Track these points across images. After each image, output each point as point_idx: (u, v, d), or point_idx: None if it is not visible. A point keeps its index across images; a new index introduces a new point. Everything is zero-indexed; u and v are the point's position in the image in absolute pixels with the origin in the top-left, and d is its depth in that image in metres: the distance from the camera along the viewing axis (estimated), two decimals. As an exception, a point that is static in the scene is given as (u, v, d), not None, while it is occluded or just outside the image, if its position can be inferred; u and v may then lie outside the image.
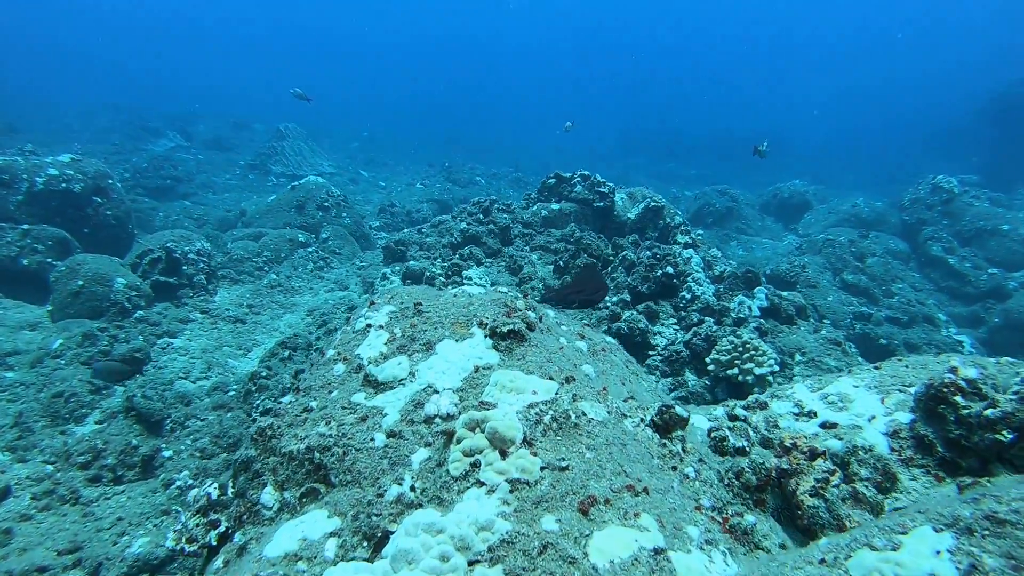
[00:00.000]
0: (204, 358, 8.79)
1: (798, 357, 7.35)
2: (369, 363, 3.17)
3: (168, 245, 10.39)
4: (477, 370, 2.97)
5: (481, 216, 10.59)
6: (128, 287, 9.43)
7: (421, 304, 3.55)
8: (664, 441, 2.68)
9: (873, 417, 3.13)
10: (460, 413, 2.64)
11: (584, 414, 2.63)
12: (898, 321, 12.59)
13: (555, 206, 11.00)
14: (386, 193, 25.57)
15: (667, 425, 2.71)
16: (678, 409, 2.74)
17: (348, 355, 3.33)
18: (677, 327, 7.45)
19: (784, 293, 8.83)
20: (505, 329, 3.12)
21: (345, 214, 15.39)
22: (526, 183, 29.80)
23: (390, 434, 2.67)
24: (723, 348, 6.21)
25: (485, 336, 3.16)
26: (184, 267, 10.53)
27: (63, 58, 66.43)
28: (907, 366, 3.57)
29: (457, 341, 3.19)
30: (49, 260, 10.00)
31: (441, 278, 8.39)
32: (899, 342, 11.41)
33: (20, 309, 8.98)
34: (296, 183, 16.16)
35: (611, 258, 8.60)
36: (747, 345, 6.03)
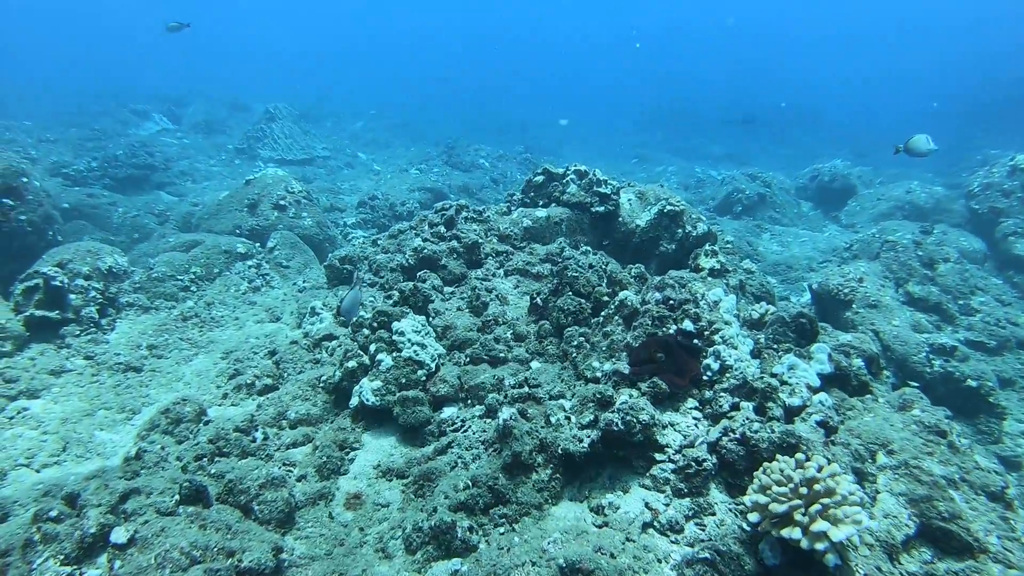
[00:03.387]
0: (62, 432, 6.55)
1: (882, 459, 4.87)
2: None
3: (46, 271, 8.13)
4: None
5: (443, 229, 8.14)
6: (-22, 330, 7.23)
7: None
8: None
9: None
10: None
11: None
12: (982, 346, 10.00)
13: (541, 213, 8.53)
14: (376, 180, 23.17)
15: None
16: None
17: None
18: (698, 415, 5.00)
19: (847, 338, 6.31)
20: None
21: (306, 214, 13.06)
22: (536, 165, 27.11)
23: None
24: (772, 477, 3.77)
25: None
26: (71, 297, 8.29)
27: (66, 40, 64.64)
28: None
29: None
30: None
31: (366, 329, 6.00)
32: (992, 381, 8.83)
33: None
34: (251, 176, 13.84)
35: (605, 299, 6.14)
36: (815, 482, 3.59)
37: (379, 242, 9.33)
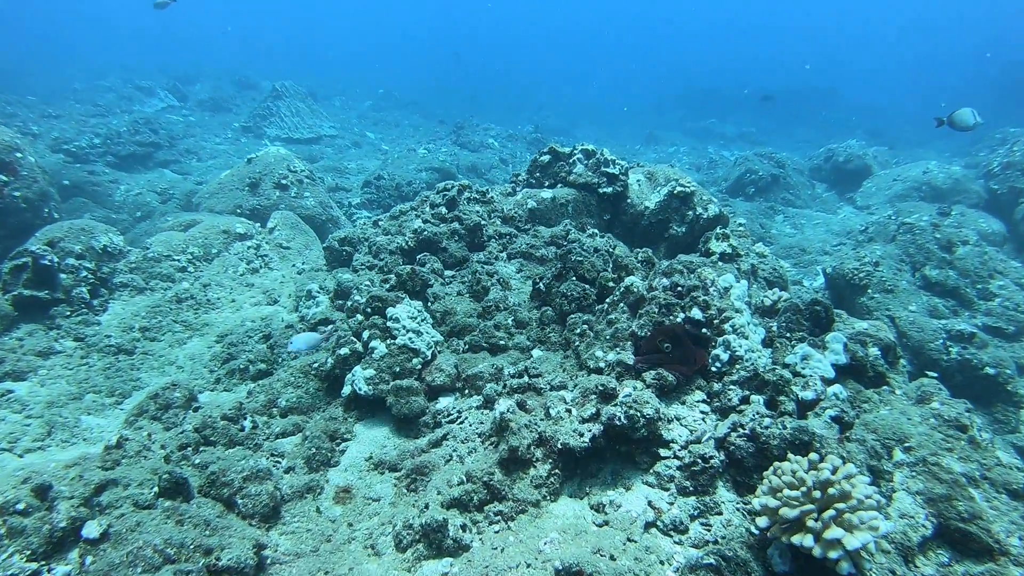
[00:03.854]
0: (47, 416, 6.37)
1: (899, 454, 4.60)
2: None
3: (35, 249, 7.93)
4: None
5: (445, 210, 7.86)
6: (-38, 312, 7.05)
7: None
8: None
9: None
10: None
11: None
12: (1001, 332, 9.66)
13: (546, 194, 8.24)
14: (383, 160, 22.84)
15: None
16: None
17: None
18: (706, 408, 4.74)
19: (864, 326, 6.02)
20: None
21: (308, 193, 12.80)
22: (545, 145, 26.69)
23: None
24: (783, 479, 3.52)
25: None
26: (62, 276, 8.09)
27: (75, 17, 64.24)
28: None
29: None
30: None
31: (360, 315, 5.75)
32: (1010, 369, 8.52)
33: None
34: (253, 155, 13.57)
35: (610, 284, 5.86)
36: (829, 485, 3.33)
37: (380, 223, 9.06)
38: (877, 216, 14.23)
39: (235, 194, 12.65)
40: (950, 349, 8.52)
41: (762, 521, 3.51)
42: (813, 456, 3.59)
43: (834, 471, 3.43)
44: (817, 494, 3.37)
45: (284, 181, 12.53)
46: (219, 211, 12.37)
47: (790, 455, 3.74)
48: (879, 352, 5.72)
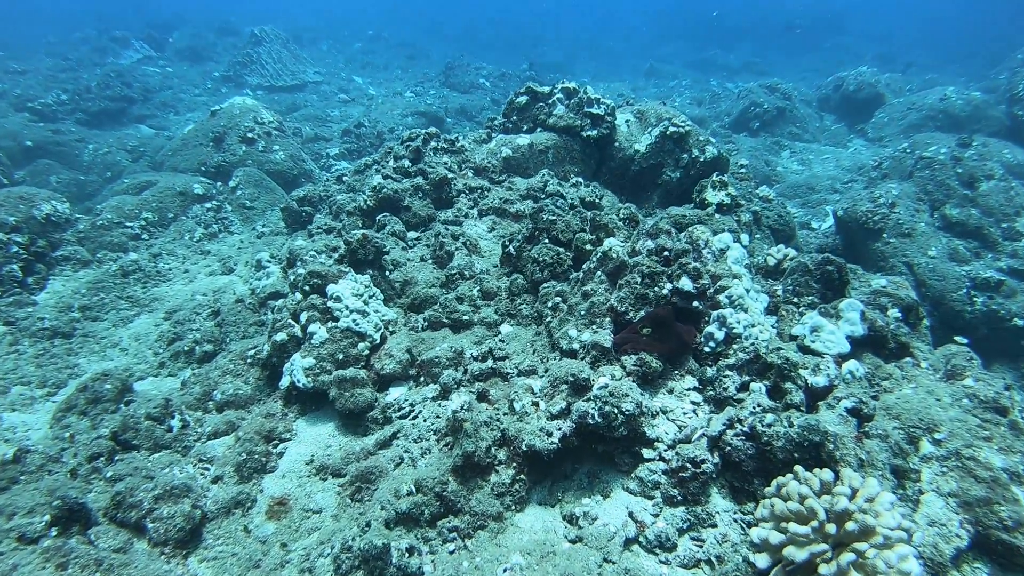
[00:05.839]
0: (-34, 414, 5.72)
1: (927, 446, 3.86)
2: None
3: (-43, 224, 7.16)
4: None
5: (408, 162, 6.99)
6: None
7: None
8: None
9: None
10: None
11: None
12: (1026, 276, 8.84)
13: (523, 140, 7.34)
14: (367, 106, 21.69)
15: None
16: None
17: None
18: (698, 398, 4.00)
19: (881, 283, 5.23)
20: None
21: (278, 147, 11.88)
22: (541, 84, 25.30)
23: None
24: (789, 507, 2.80)
25: None
26: (-8, 253, 7.35)
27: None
28: None
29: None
30: None
31: (299, 293, 4.98)
32: (1040, 320, 7.74)
33: None
34: (217, 107, 12.59)
35: (588, 247, 5.04)
36: (847, 517, 2.61)
37: (345, 179, 8.22)
38: (891, 149, 13.19)
39: (199, 151, 11.74)
40: (975, 299, 7.73)
41: (762, 560, 2.81)
42: (826, 476, 2.85)
43: (853, 495, 2.71)
44: (832, 528, 2.65)
45: (250, 134, 11.60)
46: (182, 170, 11.50)
47: (797, 470, 3.00)
48: (900, 314, 4.96)
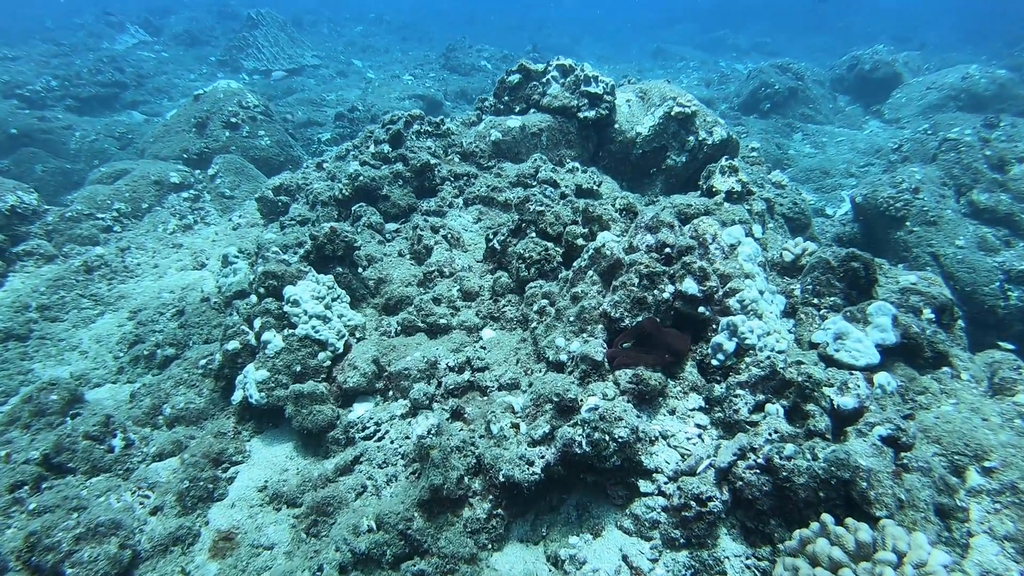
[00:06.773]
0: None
1: (975, 478, 3.29)
2: None
3: (-95, 218, 6.64)
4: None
5: (388, 148, 6.40)
6: None
7: None
8: None
9: None
10: None
11: None
12: (1062, 267, 8.19)
13: (514, 122, 6.73)
14: (363, 89, 21.05)
15: None
16: None
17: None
18: (704, 419, 3.43)
19: (911, 279, 4.64)
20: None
21: (263, 132, 11.30)
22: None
23: None
24: (820, 562, 2.25)
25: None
26: (-54, 248, 6.84)
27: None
28: None
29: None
30: None
31: (254, 296, 4.42)
32: (1078, 315, 7.11)
33: None
34: (201, 91, 12.02)
35: (580, 242, 4.47)
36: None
37: (325, 165, 7.65)
38: (909, 131, 12.50)
39: (181, 137, 11.18)
40: (1009, 293, 7.10)
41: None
42: (863, 536, 2.28)
43: (899, 562, 2.14)
44: (872, 604, 2.09)
45: (234, 119, 11.03)
46: (164, 157, 10.94)
47: (826, 523, 2.43)
48: (933, 315, 4.37)
